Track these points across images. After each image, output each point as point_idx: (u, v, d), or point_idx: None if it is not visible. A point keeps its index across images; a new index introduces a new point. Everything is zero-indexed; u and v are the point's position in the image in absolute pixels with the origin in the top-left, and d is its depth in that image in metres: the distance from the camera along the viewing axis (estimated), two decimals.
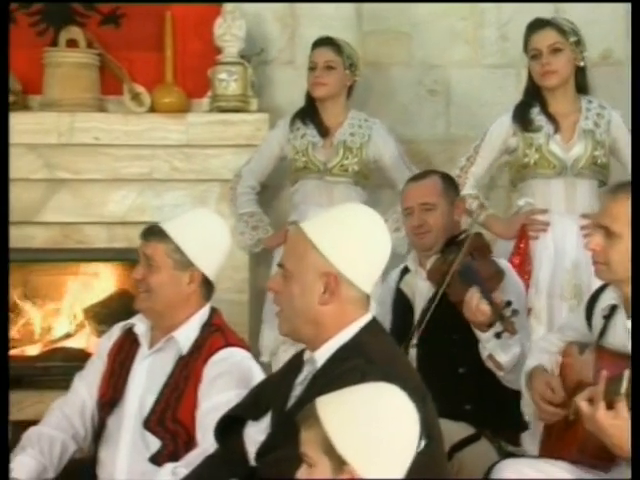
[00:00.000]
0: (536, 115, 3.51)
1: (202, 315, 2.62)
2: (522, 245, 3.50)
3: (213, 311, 2.66)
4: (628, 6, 3.73)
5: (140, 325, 2.65)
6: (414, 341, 3.08)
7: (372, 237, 2.10)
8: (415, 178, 3.27)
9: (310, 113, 3.83)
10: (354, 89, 3.90)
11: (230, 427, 2.24)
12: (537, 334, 3.25)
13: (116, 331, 2.72)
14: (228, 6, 4.06)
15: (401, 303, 3.16)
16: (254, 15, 4.19)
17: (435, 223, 3.10)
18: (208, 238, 2.63)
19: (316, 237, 2.06)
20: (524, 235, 3.50)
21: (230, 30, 4.03)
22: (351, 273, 2.06)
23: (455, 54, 4.26)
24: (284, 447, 1.95)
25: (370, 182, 3.88)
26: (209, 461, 2.28)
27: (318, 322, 2.07)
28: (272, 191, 4.10)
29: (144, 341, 2.63)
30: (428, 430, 1.87)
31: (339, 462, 1.69)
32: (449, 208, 3.15)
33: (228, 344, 2.58)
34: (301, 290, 2.07)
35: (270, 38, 4.26)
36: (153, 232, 2.61)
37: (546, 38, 3.47)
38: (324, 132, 3.81)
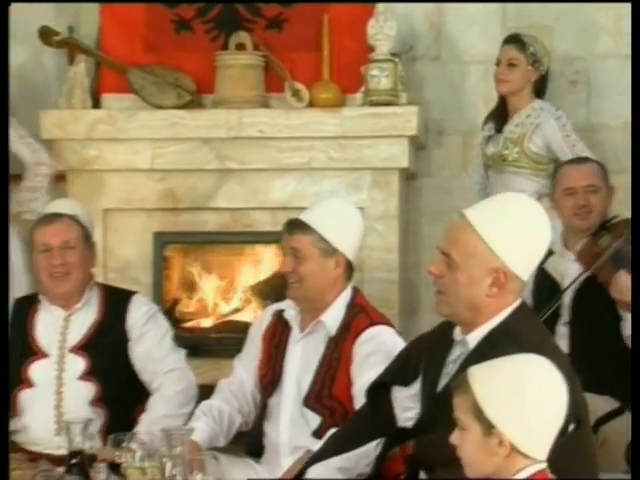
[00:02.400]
0: None
1: (346, 296, 2.68)
2: None
3: (355, 291, 2.72)
4: None
5: (290, 311, 2.71)
6: (565, 319, 3.07)
7: (536, 229, 2.09)
8: (576, 161, 3.26)
9: (497, 108, 3.85)
10: (546, 81, 3.87)
11: (379, 391, 2.30)
12: None
13: (267, 316, 2.79)
14: (380, 7, 4.09)
15: (546, 283, 3.14)
16: (404, 15, 4.21)
17: (598, 205, 3.13)
18: (346, 224, 2.69)
19: (485, 233, 2.04)
20: None
21: (382, 30, 4.06)
22: (517, 267, 2.05)
23: (596, 46, 4.19)
24: (437, 429, 1.96)
25: (548, 169, 3.79)
26: (358, 421, 2.36)
27: (479, 309, 2.07)
28: None
29: (295, 325, 2.70)
30: (577, 412, 1.85)
31: (488, 426, 1.70)
32: (607, 192, 3.14)
33: (373, 323, 2.63)
34: (468, 281, 2.05)
35: (418, 36, 4.26)
36: (296, 225, 2.66)
37: None
38: (500, 125, 3.81)
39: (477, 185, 3.96)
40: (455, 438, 1.75)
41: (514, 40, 3.82)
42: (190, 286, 4.27)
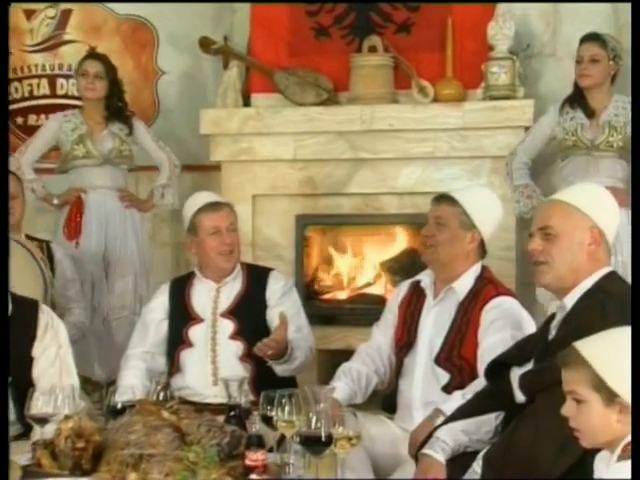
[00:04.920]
0: None
1: (476, 270, 2.76)
2: None
3: (484, 267, 2.80)
4: None
5: (426, 279, 2.80)
6: None
7: (612, 202, 2.27)
8: None
9: (578, 99, 3.89)
10: (618, 75, 3.89)
11: (499, 369, 2.38)
12: None
13: (403, 288, 2.88)
14: (500, 10, 4.12)
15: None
16: (521, 15, 4.24)
17: None
18: (488, 208, 2.77)
19: (574, 200, 2.21)
20: None
21: (501, 31, 4.08)
22: (606, 225, 2.20)
23: None
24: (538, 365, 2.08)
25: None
26: (480, 395, 2.42)
27: (578, 269, 2.17)
28: (541, 167, 4.13)
29: (429, 292, 2.78)
30: None
31: (610, 396, 1.70)
32: None
33: (499, 293, 2.70)
34: (570, 244, 2.17)
35: (535, 34, 4.29)
36: (444, 198, 2.76)
37: None
38: (590, 114, 3.85)
39: (525, 165, 3.97)
40: (568, 410, 1.75)
41: (594, 38, 3.86)
42: (327, 262, 4.41)
